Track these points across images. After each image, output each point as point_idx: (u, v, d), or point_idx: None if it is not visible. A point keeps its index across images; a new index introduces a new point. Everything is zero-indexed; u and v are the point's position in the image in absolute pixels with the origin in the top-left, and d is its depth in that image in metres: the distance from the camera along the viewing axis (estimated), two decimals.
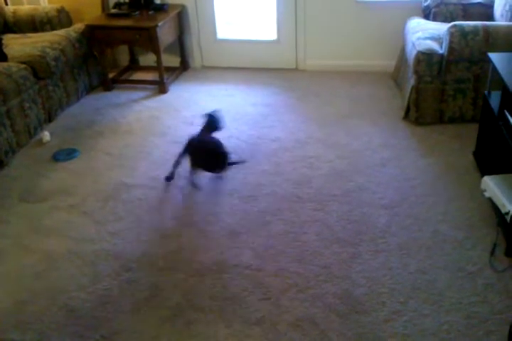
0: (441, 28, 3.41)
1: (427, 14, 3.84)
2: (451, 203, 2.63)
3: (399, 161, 3.02)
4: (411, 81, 3.40)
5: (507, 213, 2.27)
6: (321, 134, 3.36)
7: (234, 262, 2.29)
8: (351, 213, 2.59)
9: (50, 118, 3.61)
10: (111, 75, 4.22)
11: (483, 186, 2.52)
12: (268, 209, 2.64)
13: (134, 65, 4.55)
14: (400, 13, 3.99)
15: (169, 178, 2.90)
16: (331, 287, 2.14)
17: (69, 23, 4.10)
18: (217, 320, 2.01)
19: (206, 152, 2.82)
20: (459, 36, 3.11)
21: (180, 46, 4.43)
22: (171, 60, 4.42)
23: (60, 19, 4.03)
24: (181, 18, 4.32)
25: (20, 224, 2.61)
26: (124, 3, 4.16)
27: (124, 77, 4.38)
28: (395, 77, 4.06)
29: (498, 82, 2.54)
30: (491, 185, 2.44)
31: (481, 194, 2.57)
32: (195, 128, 3.47)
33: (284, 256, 2.32)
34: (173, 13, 4.11)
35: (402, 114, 3.51)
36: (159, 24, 3.83)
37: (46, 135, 3.38)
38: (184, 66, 4.49)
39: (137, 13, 4.04)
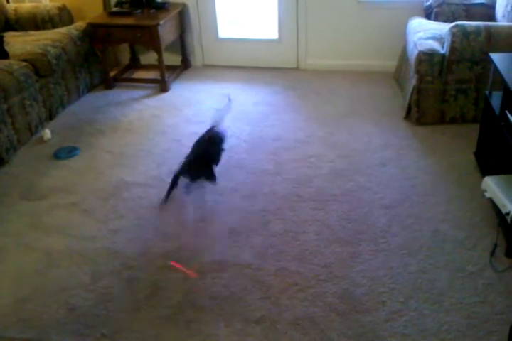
0: (442, 28, 3.41)
1: (429, 14, 3.83)
2: (452, 203, 2.63)
3: (399, 161, 3.02)
4: (412, 81, 3.40)
5: (507, 213, 2.27)
6: (322, 133, 3.36)
7: (234, 261, 2.29)
8: (351, 213, 2.59)
9: (51, 116, 3.61)
10: (112, 74, 4.22)
11: (483, 186, 2.52)
12: (268, 209, 2.64)
13: (135, 64, 4.55)
14: (402, 12, 3.99)
15: (166, 200, 2.59)
16: (331, 286, 2.14)
17: (70, 21, 4.10)
18: (217, 318, 2.01)
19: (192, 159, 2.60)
20: (461, 36, 3.11)
21: (182, 45, 4.42)
22: (172, 59, 4.41)
23: (61, 17, 4.03)
24: (183, 16, 4.32)
25: (20, 222, 2.61)
26: (126, 2, 4.15)
27: (125, 75, 4.38)
28: (396, 76, 4.06)
29: (500, 82, 2.54)
30: (491, 186, 2.44)
31: (481, 194, 2.56)
32: (196, 127, 3.49)
33: (284, 256, 2.32)
34: (174, 12, 4.11)
35: (403, 113, 3.51)
36: (161, 23, 3.82)
37: (47, 133, 3.38)
38: (185, 65, 4.49)
39: (139, 11, 4.04)
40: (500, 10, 3.49)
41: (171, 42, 4.17)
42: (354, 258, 2.29)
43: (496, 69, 2.57)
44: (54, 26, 3.99)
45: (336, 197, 2.72)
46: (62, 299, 2.13)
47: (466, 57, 3.18)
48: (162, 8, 4.11)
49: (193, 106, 3.79)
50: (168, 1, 4.20)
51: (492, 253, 2.26)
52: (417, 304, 2.04)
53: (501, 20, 3.44)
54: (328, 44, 4.28)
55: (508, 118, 2.46)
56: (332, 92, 3.94)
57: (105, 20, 3.98)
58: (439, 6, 3.73)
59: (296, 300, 2.08)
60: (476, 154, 2.97)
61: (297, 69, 4.41)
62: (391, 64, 4.11)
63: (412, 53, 3.39)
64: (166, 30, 3.98)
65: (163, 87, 4.05)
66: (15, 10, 4.01)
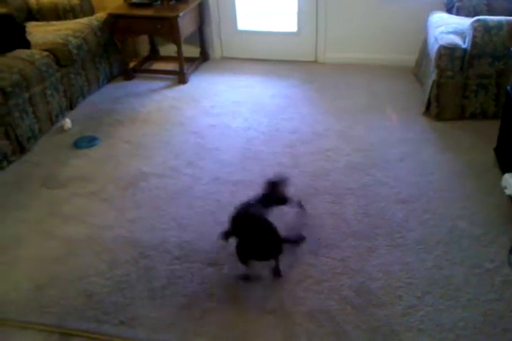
0: (464, 22, 3.37)
1: (450, 8, 3.79)
2: (470, 199, 2.61)
3: (417, 156, 3.00)
4: (432, 75, 3.37)
5: None
6: (340, 127, 3.35)
7: None
8: (368, 207, 2.59)
9: (71, 106, 3.65)
10: (131, 65, 4.25)
11: (503, 183, 2.50)
12: None
13: (154, 55, 4.57)
14: (423, 7, 3.94)
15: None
16: (347, 280, 2.14)
17: (91, 11, 4.13)
18: (232, 308, 2.03)
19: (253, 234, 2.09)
20: (483, 31, 3.07)
21: (201, 37, 4.43)
22: (191, 51, 4.42)
23: (82, 7, 4.06)
24: (202, 8, 4.32)
25: (40, 210, 2.65)
26: None
27: (144, 66, 4.40)
28: (416, 71, 4.02)
29: None
30: None
31: (500, 191, 2.54)
32: (214, 119, 3.50)
33: (300, 248, 2.32)
34: (194, 4, 4.11)
35: (422, 108, 3.48)
36: (180, 14, 3.83)
37: (67, 122, 3.42)
38: (204, 57, 4.50)
39: (159, 2, 4.05)
40: None
41: (190, 34, 4.17)
42: (370, 253, 2.29)
43: None
44: (75, 16, 4.02)
45: (353, 191, 2.71)
46: (81, 286, 2.16)
47: (487, 52, 3.14)
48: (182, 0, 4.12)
49: (211, 99, 3.80)
50: None
51: (510, 251, 2.24)
52: (434, 299, 2.04)
53: None
54: (348, 37, 4.26)
55: None
56: (350, 86, 3.92)
57: (125, 11, 4.00)
58: (461, 0, 3.68)
59: (311, 292, 2.09)
60: (496, 150, 2.93)
61: (316, 62, 4.40)
62: (411, 58, 4.07)
63: (433, 48, 3.35)
64: (186, 22, 3.99)
65: (181, 78, 4.07)
66: (37, 0, 4.04)
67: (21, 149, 3.11)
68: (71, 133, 3.36)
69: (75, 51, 3.54)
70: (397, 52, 4.20)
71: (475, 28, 3.08)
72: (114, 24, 3.95)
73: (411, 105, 3.59)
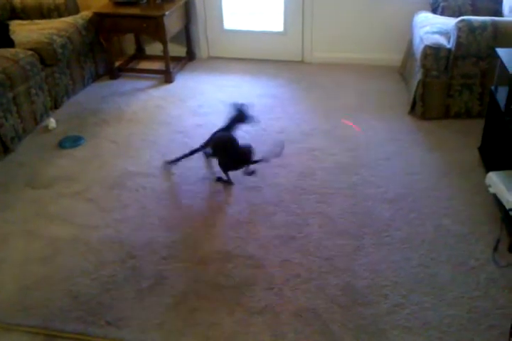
0: (449, 22, 3.40)
1: (435, 8, 3.82)
2: (455, 198, 2.64)
3: (404, 155, 3.03)
4: (418, 75, 3.40)
5: (511, 209, 2.28)
6: (327, 127, 3.36)
7: (238, 252, 2.31)
8: (355, 206, 2.60)
9: (56, 106, 3.61)
10: (117, 64, 4.22)
11: (487, 181, 2.53)
12: (272, 201, 2.65)
13: (140, 54, 4.54)
14: (408, 7, 3.97)
15: (171, 163, 2.93)
16: (334, 279, 2.15)
17: (76, 10, 4.09)
18: (220, 308, 2.03)
19: (231, 148, 2.77)
20: (467, 31, 3.10)
21: (187, 36, 4.41)
22: (178, 50, 4.41)
23: (67, 6, 4.01)
24: (188, 7, 4.31)
25: (25, 210, 2.62)
26: None
27: (130, 65, 4.38)
28: (402, 71, 4.05)
29: (506, 77, 2.53)
30: (495, 181, 2.44)
31: (485, 189, 2.57)
32: (200, 119, 3.49)
33: (287, 248, 2.33)
34: (180, 3, 4.10)
35: (408, 108, 3.50)
36: (166, 13, 3.81)
37: (52, 122, 3.39)
38: (190, 56, 4.48)
39: (144, 1, 4.02)
40: (507, 5, 3.48)
41: (177, 33, 4.16)
42: (357, 252, 2.30)
43: (502, 64, 2.57)
44: (60, 15, 3.97)
45: (340, 190, 2.73)
46: (67, 287, 2.14)
47: (472, 52, 3.17)
48: None
49: (197, 98, 3.79)
50: None
51: (495, 249, 2.27)
52: (419, 297, 2.05)
53: (508, 15, 3.42)
54: (334, 37, 4.27)
55: None
56: (337, 86, 3.94)
57: (111, 9, 3.97)
58: (446, 0, 3.72)
59: (298, 291, 2.10)
60: (481, 149, 2.97)
61: (302, 62, 4.41)
62: (396, 58, 4.10)
63: (418, 47, 3.38)
64: (172, 21, 3.97)
65: (167, 78, 4.05)
66: None
67: (5, 149, 3.08)
68: (56, 133, 3.33)
69: (59, 50, 3.50)
70: (383, 51, 4.23)
71: (459, 28, 3.11)
72: (100, 23, 3.92)
73: (397, 104, 3.61)
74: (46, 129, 3.37)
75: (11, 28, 3.50)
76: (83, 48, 3.86)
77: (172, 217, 2.55)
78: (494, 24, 3.08)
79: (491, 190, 2.49)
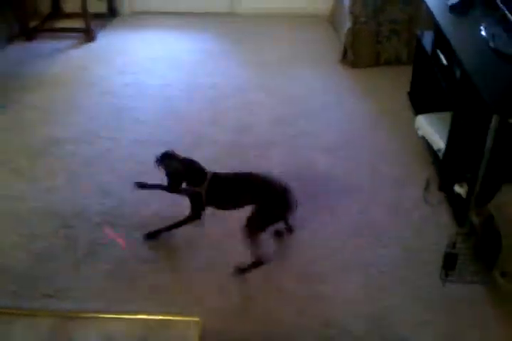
0: None
1: None
2: (389, 143, 2.69)
3: (338, 105, 3.03)
4: (347, 23, 3.36)
5: (439, 150, 2.34)
6: (260, 80, 3.30)
7: (174, 214, 2.23)
8: (294, 158, 2.60)
9: None
10: (33, 24, 3.91)
11: (416, 125, 2.58)
12: (211, 158, 2.58)
13: (57, 12, 4.22)
14: None
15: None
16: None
17: None
18: (164, 269, 2.00)
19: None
20: None
21: None
22: (98, 6, 4.12)
23: None
24: None
25: None
26: None
27: (46, 25, 4.07)
28: (331, 19, 4.00)
29: (431, 22, 2.54)
30: (424, 124, 2.50)
31: (415, 133, 2.63)
32: (127, 77, 3.32)
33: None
34: None
35: (340, 57, 3.48)
36: None
37: None
38: (112, 12, 4.22)
39: None
40: None
41: None
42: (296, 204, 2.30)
43: (427, 8, 2.56)
44: None
45: (277, 143, 2.71)
46: None
47: None
48: None
49: (122, 56, 3.60)
50: None
51: (425, 189, 2.34)
52: (357, 241, 2.10)
53: None
54: None
55: (439, 58, 2.49)
56: (268, 37, 3.84)
57: None
58: None
59: (238, 247, 2.07)
60: (410, 94, 3.01)
61: (231, 14, 4.25)
62: (325, 7, 4.03)
63: None
64: None
65: (88, 36, 3.80)
66: None
67: None
68: None
69: None
70: (312, 1, 4.14)
71: None
72: None
73: (329, 54, 3.58)
74: None
75: None
76: None
77: (105, 183, 2.45)
78: None
79: (420, 132, 2.54)
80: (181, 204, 2.28)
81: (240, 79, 3.32)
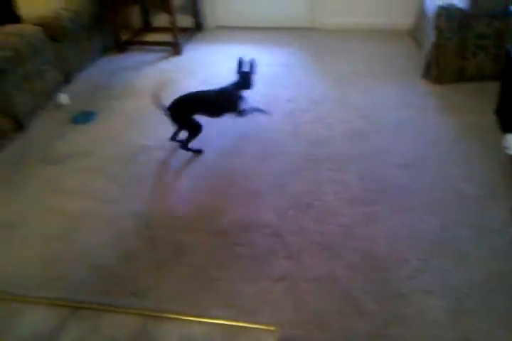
0: None
1: None
2: (472, 161, 2.61)
3: (418, 120, 2.98)
4: (431, 37, 3.31)
5: None
6: (338, 94, 3.32)
7: (255, 222, 2.31)
8: (370, 173, 2.58)
9: (66, 81, 3.60)
10: (125, 37, 4.16)
11: (505, 144, 2.49)
12: (286, 170, 2.64)
13: (147, 27, 4.48)
14: None
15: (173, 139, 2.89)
16: (353, 245, 2.16)
17: None
18: (240, 277, 2.05)
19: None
20: None
21: (194, 5, 4.33)
22: (185, 21, 4.33)
23: None
24: None
25: (41, 186, 2.64)
26: None
27: (137, 38, 4.32)
28: (413, 34, 3.95)
29: None
30: None
31: (502, 152, 2.53)
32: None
33: (304, 216, 2.33)
34: None
35: (421, 72, 3.43)
36: None
37: (64, 98, 3.38)
38: (198, 26, 4.41)
39: None
40: None
41: (183, 3, 4.07)
42: (374, 218, 2.30)
43: None
44: None
45: (354, 157, 2.71)
46: (87, 260, 2.17)
47: (485, 12, 3.08)
48: None
49: (207, 69, 3.75)
50: None
51: None
52: (439, 261, 2.05)
53: None
54: (344, 2, 4.16)
55: None
56: (348, 51, 3.86)
57: None
58: None
59: (317, 259, 2.11)
60: (497, 112, 2.91)
61: (312, 28, 4.31)
62: (407, 21, 4.00)
63: (431, 8, 3.28)
64: None
65: (176, 49, 4.00)
66: None
67: (18, 126, 3.09)
68: (68, 109, 3.33)
69: (66, 25, 3.46)
70: (393, 15, 4.13)
71: None
72: None
73: (410, 68, 3.54)
74: (58, 105, 3.37)
75: (13, 3, 3.45)
76: (90, 22, 3.81)
77: (189, 190, 2.56)
78: None
79: (510, 152, 2.45)
80: (263, 212, 2.33)
81: (318, 92, 3.35)
